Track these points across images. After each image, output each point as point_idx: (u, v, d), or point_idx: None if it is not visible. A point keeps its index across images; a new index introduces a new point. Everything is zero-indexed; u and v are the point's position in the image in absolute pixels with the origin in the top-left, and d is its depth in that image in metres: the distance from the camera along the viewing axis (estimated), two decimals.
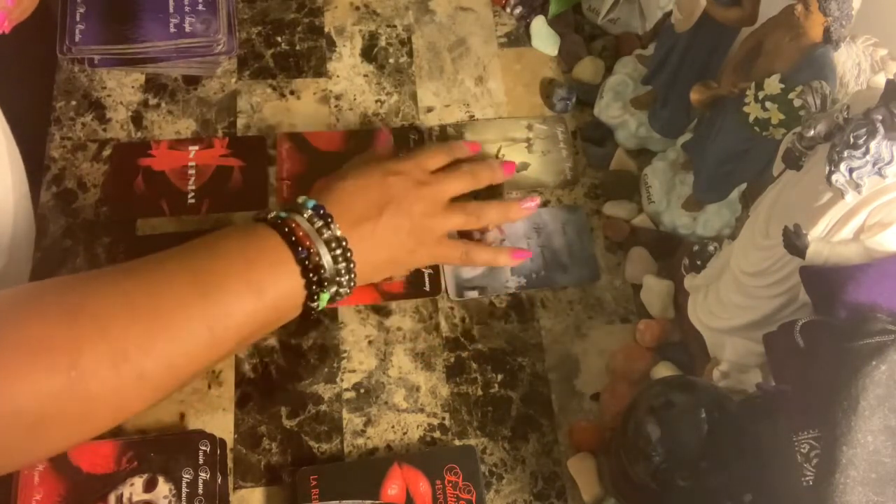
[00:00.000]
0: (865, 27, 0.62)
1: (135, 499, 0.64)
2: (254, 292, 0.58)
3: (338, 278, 0.62)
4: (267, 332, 0.64)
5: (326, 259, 0.61)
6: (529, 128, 0.85)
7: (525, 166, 0.83)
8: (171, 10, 0.83)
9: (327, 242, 0.61)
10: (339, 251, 0.62)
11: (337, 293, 0.63)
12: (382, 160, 0.70)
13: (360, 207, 0.64)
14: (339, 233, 0.62)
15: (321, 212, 0.62)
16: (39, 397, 0.50)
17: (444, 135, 0.84)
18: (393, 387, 0.73)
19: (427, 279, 0.77)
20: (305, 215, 0.62)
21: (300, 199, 0.64)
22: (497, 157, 0.83)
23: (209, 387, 0.71)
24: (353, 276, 0.63)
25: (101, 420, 0.55)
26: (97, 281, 0.56)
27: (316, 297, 0.62)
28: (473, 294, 0.77)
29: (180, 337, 0.55)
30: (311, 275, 0.60)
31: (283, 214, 0.62)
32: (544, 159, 0.84)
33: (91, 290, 0.54)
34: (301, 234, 0.61)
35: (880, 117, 0.50)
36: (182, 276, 0.57)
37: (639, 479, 0.61)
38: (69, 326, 0.52)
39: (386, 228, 0.65)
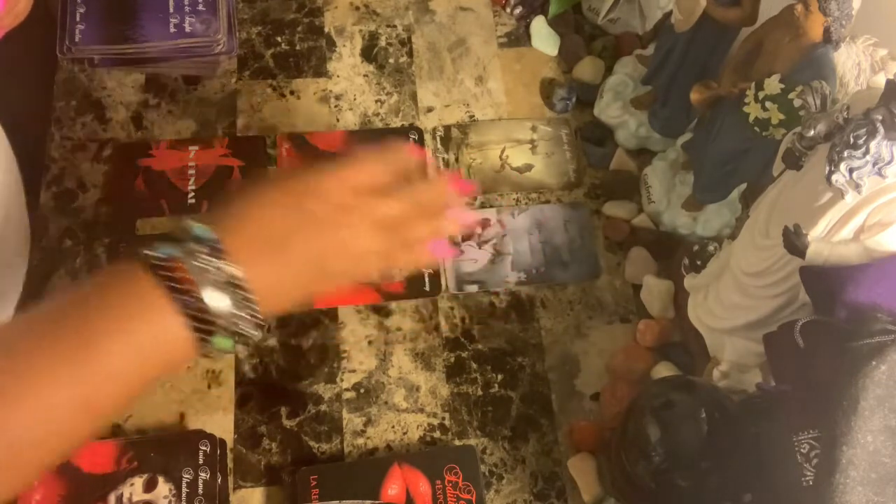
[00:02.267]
0: (865, 27, 0.62)
1: (135, 499, 0.64)
2: (135, 353, 0.50)
3: (235, 321, 0.52)
4: (154, 383, 0.54)
5: (219, 304, 0.51)
6: (534, 129, 0.85)
7: (529, 168, 0.83)
8: (171, 10, 0.83)
9: (219, 284, 0.51)
10: (233, 292, 0.51)
11: (239, 333, 0.54)
12: (304, 176, 0.58)
13: (265, 238, 0.54)
14: (234, 271, 0.51)
15: (214, 246, 0.52)
16: None
17: (448, 135, 0.84)
18: (393, 387, 0.73)
19: (427, 279, 0.77)
20: (194, 252, 0.51)
21: (193, 228, 0.52)
22: (500, 158, 0.83)
23: (209, 387, 0.71)
24: (255, 314, 0.54)
25: None
26: None
27: (210, 343, 0.53)
28: (473, 288, 0.77)
29: (47, 417, 0.47)
30: (200, 323, 0.51)
31: (166, 252, 0.51)
32: (548, 161, 0.84)
33: None
34: (185, 278, 0.50)
35: (880, 117, 0.50)
36: (52, 343, 0.49)
37: (639, 479, 0.61)
38: None
39: (296, 261, 0.55)
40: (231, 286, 0.52)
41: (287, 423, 0.70)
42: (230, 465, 0.68)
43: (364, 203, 0.57)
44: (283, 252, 0.55)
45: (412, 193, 0.60)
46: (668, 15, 0.75)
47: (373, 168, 0.59)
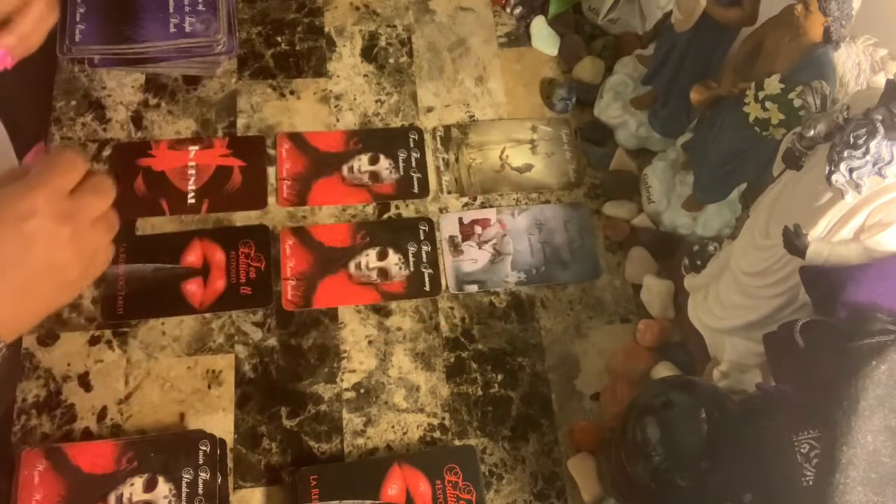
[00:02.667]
0: (865, 27, 0.62)
1: (135, 499, 0.64)
2: None
3: None
4: None
5: None
6: (534, 129, 0.85)
7: (529, 168, 0.83)
8: (171, 10, 0.83)
9: None
10: None
11: None
12: (11, 197, 0.54)
13: None
14: None
15: None
16: None
17: (448, 135, 0.84)
18: (393, 387, 0.73)
19: (427, 279, 0.77)
20: None
21: None
22: (500, 158, 0.83)
23: (209, 387, 0.71)
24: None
25: None
26: None
27: None
28: (473, 288, 0.77)
29: None
30: None
31: None
32: (548, 161, 0.84)
33: None
34: None
35: (880, 117, 0.50)
36: None
37: (639, 479, 0.61)
38: None
39: (30, 283, 0.54)
40: None
41: (287, 423, 0.70)
42: (230, 465, 0.68)
43: (80, 206, 0.56)
44: (14, 279, 0.53)
45: (104, 179, 0.59)
46: (668, 15, 0.75)
47: (79, 167, 0.57)
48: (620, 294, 0.78)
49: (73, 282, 0.56)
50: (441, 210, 0.81)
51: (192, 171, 0.79)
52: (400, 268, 0.77)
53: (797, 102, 0.61)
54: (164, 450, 0.66)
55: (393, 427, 0.71)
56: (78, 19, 0.82)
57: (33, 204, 0.53)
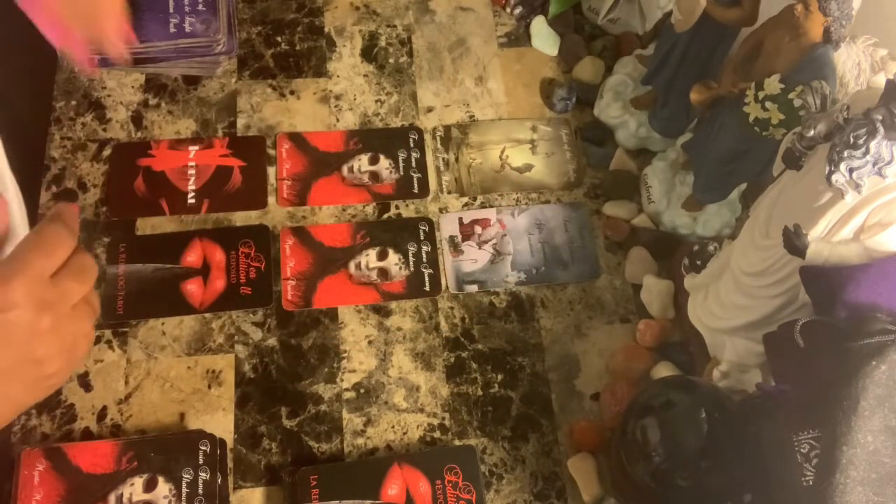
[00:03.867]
0: (865, 27, 0.62)
1: (135, 499, 0.64)
2: None
3: None
4: None
5: None
6: (534, 129, 0.85)
7: (529, 168, 0.83)
8: (171, 10, 0.83)
9: None
10: None
11: None
12: None
13: None
14: None
15: None
16: None
17: (448, 135, 0.84)
18: (393, 387, 0.73)
19: (427, 279, 0.77)
20: None
21: None
22: (500, 158, 0.83)
23: (209, 387, 0.71)
24: None
25: None
26: None
27: None
28: (473, 288, 0.77)
29: None
30: None
31: None
32: (548, 161, 0.84)
33: None
34: None
35: (880, 117, 0.50)
36: None
37: (639, 479, 0.61)
38: None
39: (10, 380, 0.51)
40: None
41: (287, 423, 0.70)
42: (230, 465, 0.68)
43: (61, 292, 0.52)
44: None
45: (87, 261, 0.55)
46: (668, 15, 0.75)
47: (65, 246, 0.53)
48: (620, 294, 0.78)
49: (51, 376, 0.53)
50: (441, 210, 0.81)
51: (192, 171, 0.79)
52: (400, 268, 0.77)
53: (797, 102, 0.61)
54: (164, 450, 0.66)
55: (393, 427, 0.71)
56: None
57: (12, 294, 0.49)
